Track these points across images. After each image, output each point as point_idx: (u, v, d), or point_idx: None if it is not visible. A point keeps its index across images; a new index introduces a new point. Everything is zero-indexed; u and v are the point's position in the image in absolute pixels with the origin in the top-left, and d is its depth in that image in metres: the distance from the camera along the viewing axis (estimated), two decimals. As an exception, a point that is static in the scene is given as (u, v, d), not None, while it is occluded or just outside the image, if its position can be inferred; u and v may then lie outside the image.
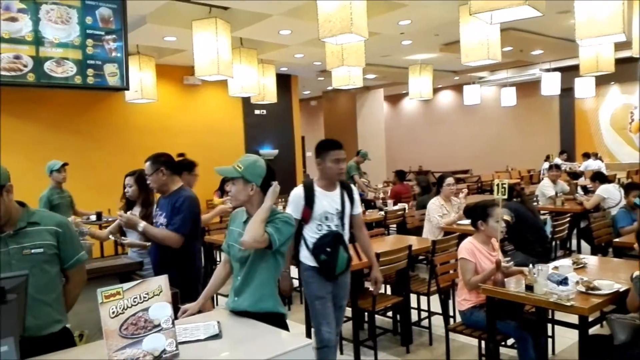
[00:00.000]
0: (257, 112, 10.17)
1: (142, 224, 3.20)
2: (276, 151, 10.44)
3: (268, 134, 10.46)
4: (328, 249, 3.11)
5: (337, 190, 3.24)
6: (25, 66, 2.81)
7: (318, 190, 3.18)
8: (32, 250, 2.06)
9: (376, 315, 4.19)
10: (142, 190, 3.71)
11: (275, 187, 2.39)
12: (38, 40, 2.83)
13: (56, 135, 7.50)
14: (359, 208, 3.38)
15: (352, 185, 3.42)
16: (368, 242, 3.50)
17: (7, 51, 2.76)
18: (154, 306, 1.90)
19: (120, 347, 1.80)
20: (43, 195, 5.44)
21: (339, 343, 4.22)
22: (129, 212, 3.52)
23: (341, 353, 4.16)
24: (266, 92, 7.81)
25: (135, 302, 1.86)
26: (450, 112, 17.07)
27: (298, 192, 3.21)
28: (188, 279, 3.19)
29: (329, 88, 13.45)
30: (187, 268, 3.24)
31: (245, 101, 9.36)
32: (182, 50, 7.48)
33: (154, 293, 1.91)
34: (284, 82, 10.41)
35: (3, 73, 2.76)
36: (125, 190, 3.77)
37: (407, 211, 6.79)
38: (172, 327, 1.93)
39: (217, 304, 5.20)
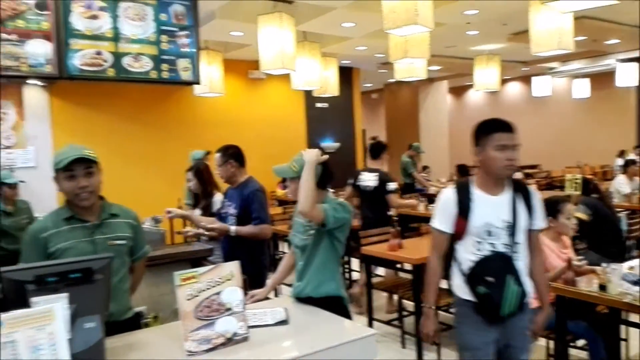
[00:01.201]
0: (318, 105, 10.24)
1: (234, 228, 3.34)
2: (338, 144, 10.48)
3: (329, 126, 10.52)
4: (490, 278, 2.21)
5: (507, 194, 2.30)
6: (106, 61, 2.99)
7: (477, 194, 2.28)
8: (116, 242, 2.19)
9: (440, 312, 4.15)
10: (201, 183, 3.91)
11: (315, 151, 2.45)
12: (117, 37, 3.00)
13: (129, 126, 7.88)
14: (540, 221, 2.38)
15: (530, 188, 2.41)
16: (542, 273, 2.46)
17: (89, 47, 2.94)
18: (226, 290, 1.99)
19: (195, 328, 1.90)
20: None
21: (401, 337, 4.22)
22: (196, 211, 3.76)
23: (403, 347, 4.15)
24: (328, 85, 7.86)
25: (209, 285, 1.95)
26: (517, 105, 16.46)
27: (448, 195, 2.34)
28: (256, 267, 3.30)
29: (391, 80, 13.31)
30: (255, 256, 3.35)
31: (308, 94, 9.45)
32: (247, 44, 7.64)
33: (226, 278, 2.00)
34: (346, 74, 10.41)
35: (86, 68, 2.95)
36: (189, 184, 4.01)
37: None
38: (242, 311, 2.01)
39: (279, 293, 5.32)
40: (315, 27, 7.06)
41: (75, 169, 2.06)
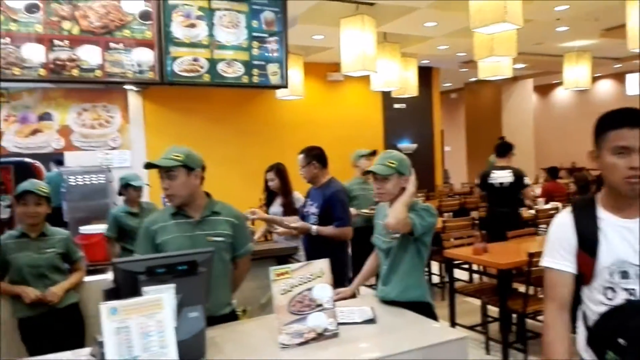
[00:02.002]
0: (396, 105, 10.17)
1: (315, 228, 3.42)
2: (415, 145, 10.35)
3: (407, 127, 10.41)
4: (623, 341, 1.50)
5: None
6: (202, 67, 3.15)
7: (606, 218, 1.59)
8: (214, 238, 2.30)
9: (526, 319, 4.00)
10: (282, 181, 4.05)
11: (413, 175, 2.46)
12: (213, 44, 3.16)
13: (218, 129, 8.24)
14: None
15: None
16: None
17: (187, 54, 3.12)
18: (316, 287, 2.05)
19: (288, 322, 1.97)
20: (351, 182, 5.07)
21: (485, 342, 4.11)
22: (271, 209, 3.93)
23: (487, 353, 4.05)
24: (407, 85, 7.78)
25: (301, 281, 2.02)
26: (608, 103, 15.43)
27: (563, 221, 1.67)
28: (338, 265, 3.34)
29: (472, 79, 12.95)
30: (337, 254, 3.40)
31: (385, 95, 9.42)
32: (328, 47, 7.74)
33: (317, 275, 2.06)
34: (425, 74, 10.26)
35: (183, 74, 3.13)
36: (269, 184, 4.15)
37: (560, 211, 6.34)
38: (332, 307, 2.06)
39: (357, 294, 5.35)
40: (396, 28, 7.02)
41: (160, 173, 2.27)
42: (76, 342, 2.35)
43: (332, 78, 9.31)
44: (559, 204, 6.70)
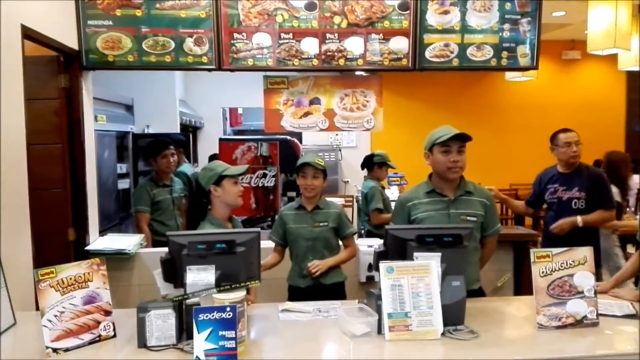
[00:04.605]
0: (645, 86, 8.92)
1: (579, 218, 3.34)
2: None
3: (655, 111, 9.07)
4: None
5: None
6: (452, 52, 3.27)
7: None
8: (468, 217, 2.41)
9: None
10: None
11: None
12: (464, 29, 3.25)
13: (436, 113, 8.32)
14: None
15: None
16: None
17: (438, 41, 3.27)
18: (578, 274, 2.04)
19: (546, 304, 2.01)
20: None
21: None
22: None
23: None
24: (662, 63, 6.77)
25: (562, 266, 2.04)
26: None
27: None
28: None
29: None
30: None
31: (630, 75, 8.33)
32: (567, 24, 7.17)
33: (579, 262, 2.05)
34: (686, 50, 8.75)
35: (434, 60, 3.29)
36: None
37: None
38: (594, 297, 2.04)
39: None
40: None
41: (451, 145, 2.38)
42: None
43: (568, 57, 8.60)
44: None
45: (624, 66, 6.32)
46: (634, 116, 8.99)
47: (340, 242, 2.90)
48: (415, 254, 2.03)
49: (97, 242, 3.42)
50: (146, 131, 6.48)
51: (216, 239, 1.98)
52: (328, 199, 2.99)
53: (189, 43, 3.24)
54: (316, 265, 2.71)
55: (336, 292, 2.77)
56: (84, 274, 1.96)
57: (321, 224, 2.79)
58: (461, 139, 2.39)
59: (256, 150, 4.42)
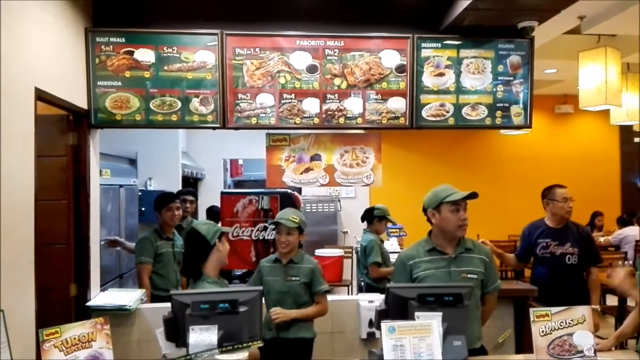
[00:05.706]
0: (637, 139, 9.10)
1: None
2: (659, 184, 9.09)
3: (649, 163, 9.22)
4: None
5: None
6: (448, 112, 3.40)
7: None
8: (469, 275, 2.44)
9: None
10: None
11: None
12: (458, 90, 3.39)
13: (433, 165, 8.45)
14: None
15: None
16: None
17: (434, 101, 3.40)
18: (578, 333, 2.06)
19: (548, 364, 2.02)
20: None
21: None
22: None
23: None
24: (653, 118, 6.96)
25: (561, 325, 2.06)
26: None
27: None
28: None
29: None
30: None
31: (623, 129, 8.54)
32: (559, 80, 7.41)
33: (578, 321, 2.08)
34: (675, 104, 8.99)
35: (430, 119, 3.41)
36: None
37: None
38: (594, 356, 2.05)
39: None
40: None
41: (460, 204, 2.45)
42: None
43: (561, 110, 8.84)
44: None
45: (616, 121, 6.50)
46: (628, 169, 9.13)
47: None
48: (417, 314, 2.05)
49: (98, 297, 3.42)
50: (149, 184, 6.57)
51: (219, 299, 2.00)
52: (322, 250, 3.09)
53: (195, 103, 3.37)
54: (277, 313, 2.73)
55: (301, 348, 2.78)
56: (88, 334, 1.98)
57: (293, 278, 2.84)
58: (471, 198, 2.46)
59: (257, 204, 4.49)
